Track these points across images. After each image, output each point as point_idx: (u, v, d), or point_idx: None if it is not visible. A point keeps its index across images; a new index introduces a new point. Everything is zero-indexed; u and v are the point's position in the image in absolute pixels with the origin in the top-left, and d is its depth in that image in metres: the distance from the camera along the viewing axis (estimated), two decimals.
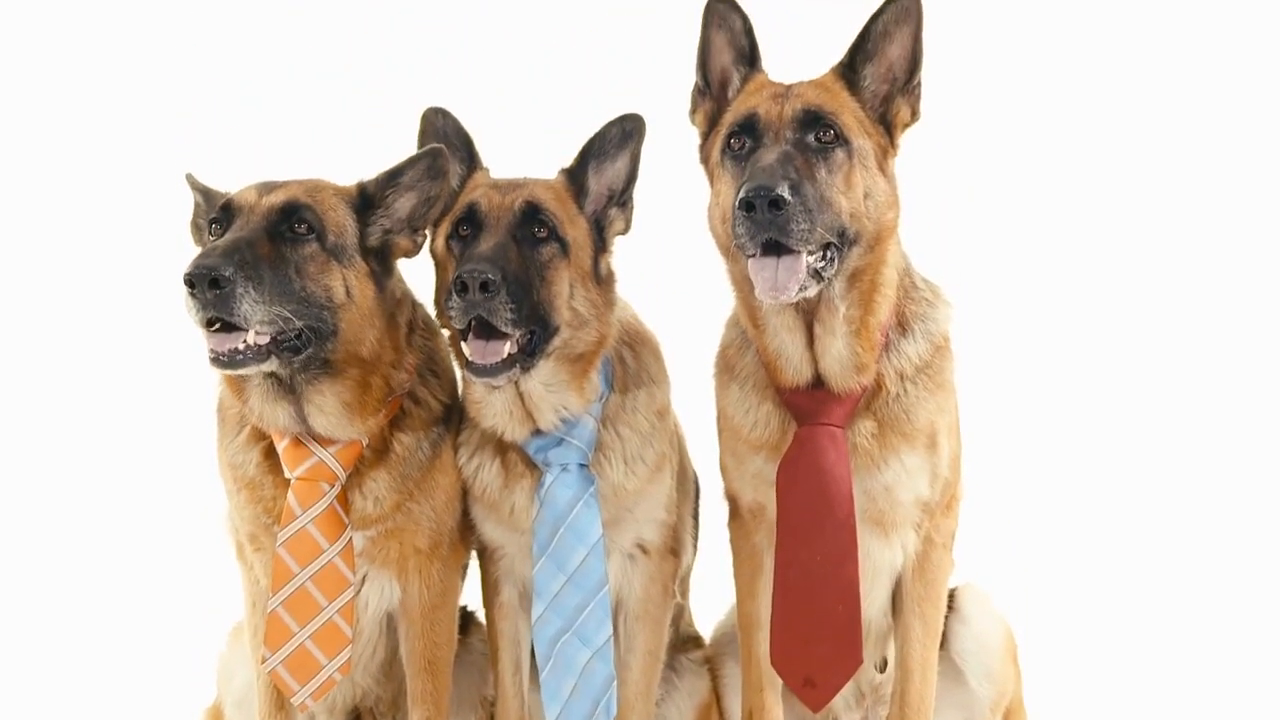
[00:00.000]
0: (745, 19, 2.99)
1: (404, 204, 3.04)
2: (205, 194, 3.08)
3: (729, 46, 3.00)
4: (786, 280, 2.71)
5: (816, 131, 2.82)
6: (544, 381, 3.01)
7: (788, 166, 2.72)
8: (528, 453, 3.08)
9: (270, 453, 3.04)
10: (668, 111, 3.12)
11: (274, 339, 2.79)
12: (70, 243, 5.48)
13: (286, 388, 2.91)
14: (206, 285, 2.67)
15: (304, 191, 2.94)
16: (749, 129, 2.86)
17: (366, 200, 3.02)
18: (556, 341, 2.97)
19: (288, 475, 2.98)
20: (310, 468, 2.96)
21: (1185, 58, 5.50)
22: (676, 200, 3.26)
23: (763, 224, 2.66)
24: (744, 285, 2.93)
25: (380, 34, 5.59)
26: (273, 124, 5.37)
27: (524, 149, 3.28)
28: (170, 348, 4.85)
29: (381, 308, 2.98)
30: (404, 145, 3.14)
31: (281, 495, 3.01)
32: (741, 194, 2.67)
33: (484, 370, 2.87)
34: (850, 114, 2.87)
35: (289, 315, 2.78)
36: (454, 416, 3.19)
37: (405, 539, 3.10)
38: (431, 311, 3.18)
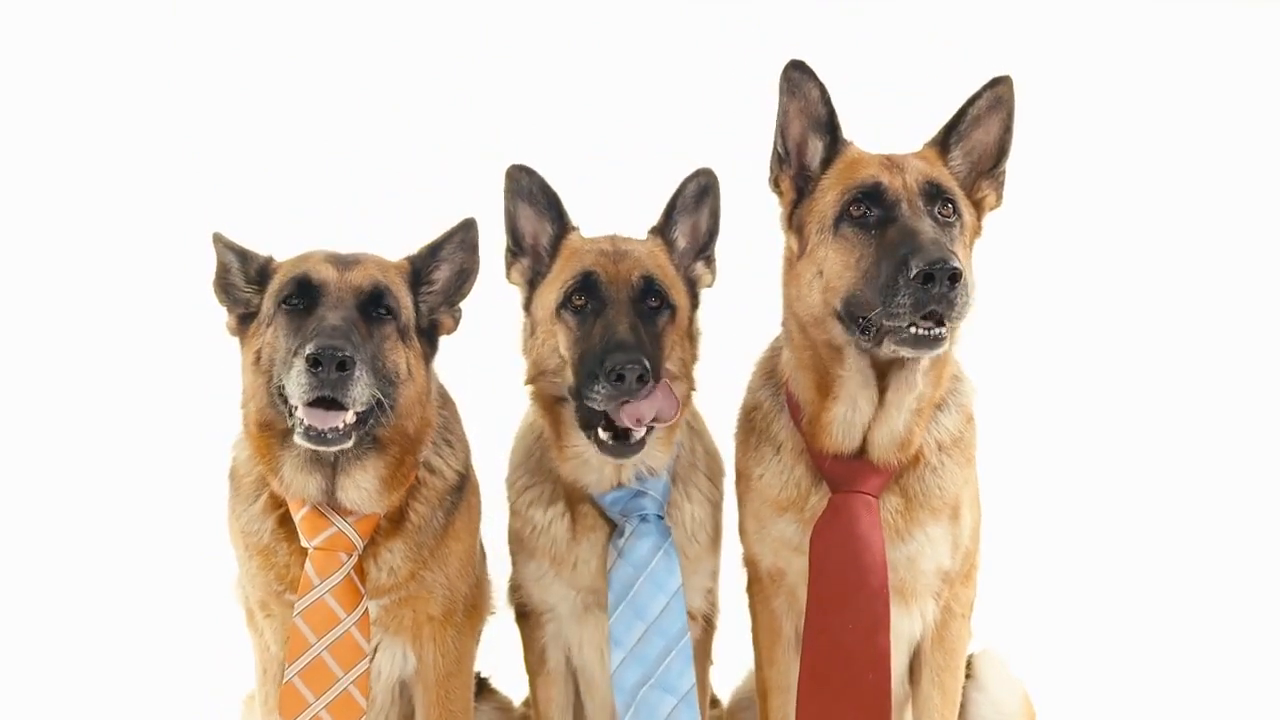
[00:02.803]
0: (821, 88, 2.97)
1: (441, 277, 3.10)
2: (241, 255, 3.06)
3: (802, 115, 2.98)
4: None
5: (939, 205, 2.83)
6: None
7: (946, 238, 2.74)
8: (603, 505, 3.10)
9: (285, 520, 3.03)
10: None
11: (358, 417, 2.83)
12: (89, 305, 5.45)
13: (324, 460, 2.92)
14: (334, 367, 2.72)
15: (380, 271, 2.99)
16: (874, 197, 2.82)
17: (416, 276, 3.07)
18: None
19: (305, 544, 2.97)
20: (329, 538, 2.96)
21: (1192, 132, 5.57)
22: None
23: (935, 296, 2.62)
24: (828, 351, 2.89)
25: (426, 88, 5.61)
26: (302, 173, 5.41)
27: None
28: (181, 414, 4.89)
29: (429, 385, 3.04)
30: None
31: (295, 562, 3.00)
32: (920, 267, 2.61)
33: (632, 448, 2.93)
34: (958, 190, 2.90)
35: (378, 394, 2.84)
36: (468, 485, 3.19)
37: (419, 607, 3.09)
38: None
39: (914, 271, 2.62)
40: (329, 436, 2.78)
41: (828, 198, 2.90)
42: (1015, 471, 4.57)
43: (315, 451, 2.88)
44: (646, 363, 2.83)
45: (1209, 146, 5.55)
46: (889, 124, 3.09)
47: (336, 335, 2.76)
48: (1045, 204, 5.22)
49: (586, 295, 3.02)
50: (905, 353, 2.73)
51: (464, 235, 3.10)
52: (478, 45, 5.63)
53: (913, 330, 2.67)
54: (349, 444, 2.82)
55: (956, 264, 2.62)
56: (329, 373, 2.72)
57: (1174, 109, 5.55)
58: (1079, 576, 5.04)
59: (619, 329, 2.92)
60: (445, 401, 3.22)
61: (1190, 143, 5.54)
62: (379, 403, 2.85)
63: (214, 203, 5.04)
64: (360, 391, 2.76)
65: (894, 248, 2.70)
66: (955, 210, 2.85)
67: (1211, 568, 5.09)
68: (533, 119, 5.46)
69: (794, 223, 3.01)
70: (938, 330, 2.67)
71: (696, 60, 5.38)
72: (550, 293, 3.07)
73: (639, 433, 2.91)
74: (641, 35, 5.54)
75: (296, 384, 2.75)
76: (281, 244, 3.09)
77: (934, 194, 2.83)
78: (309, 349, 2.73)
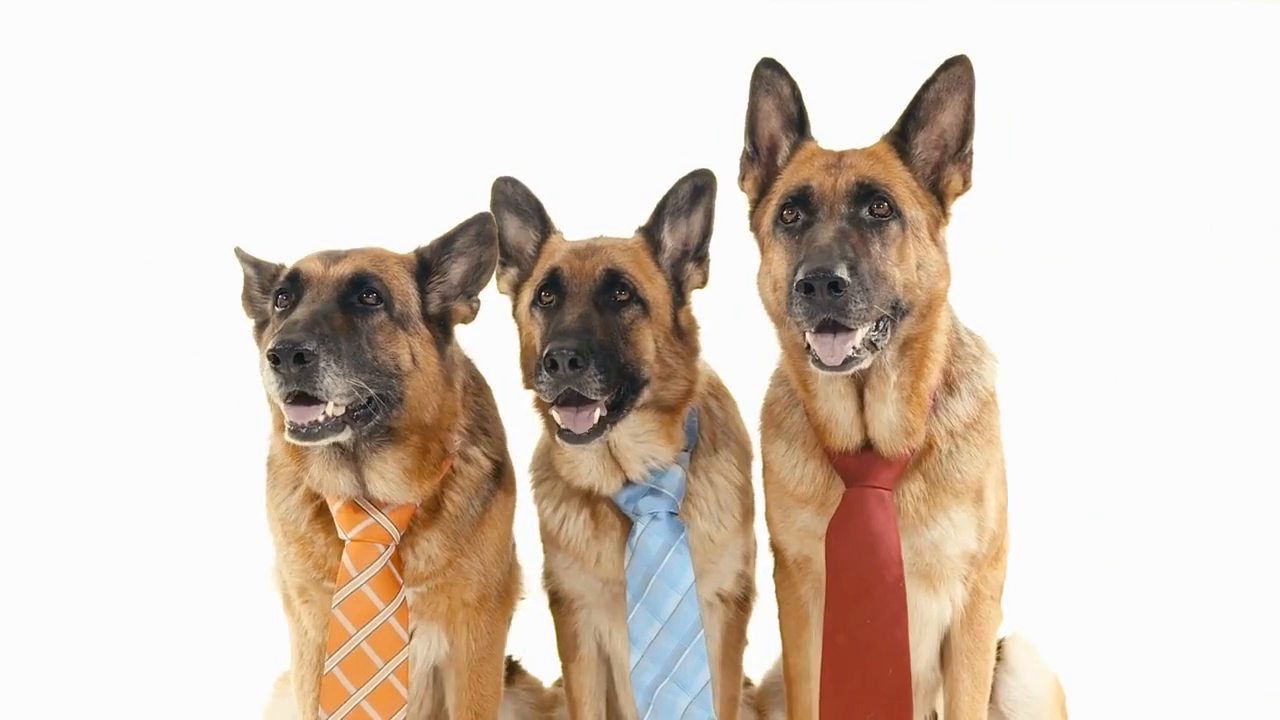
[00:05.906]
0: (793, 84, 2.98)
1: (457, 270, 3.07)
2: (256, 266, 3.08)
3: (777, 112, 2.99)
4: (842, 355, 2.72)
5: (870, 204, 2.81)
6: (631, 433, 3.05)
7: (844, 245, 2.71)
8: (618, 503, 3.11)
9: (323, 509, 3.04)
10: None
11: (348, 409, 2.81)
12: (125, 299, 5.48)
13: (349, 455, 2.92)
14: (292, 360, 2.69)
15: (370, 261, 2.96)
16: (802, 201, 2.84)
17: (425, 267, 3.05)
18: (646, 394, 3.01)
19: (342, 536, 2.98)
20: (365, 529, 2.97)
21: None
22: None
23: (822, 305, 2.65)
24: (795, 351, 2.95)
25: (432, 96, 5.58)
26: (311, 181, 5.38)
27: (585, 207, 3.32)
28: (219, 395, 4.88)
29: (443, 374, 3.01)
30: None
31: (332, 551, 3.01)
32: (800, 276, 2.65)
33: (578, 438, 2.91)
34: (903, 185, 2.86)
35: (364, 386, 2.80)
36: (504, 472, 3.20)
37: (454, 593, 3.11)
38: (493, 371, 3.22)
39: (796, 280, 2.66)
40: (312, 431, 2.76)
41: (775, 199, 2.93)
42: (1048, 454, 4.60)
43: (339, 449, 2.88)
44: (581, 350, 2.81)
45: (1217, 135, 5.56)
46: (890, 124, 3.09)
47: (295, 330, 2.72)
48: (1061, 197, 5.28)
49: (553, 291, 3.03)
50: (819, 371, 2.77)
51: (479, 228, 3.06)
52: (478, 45, 5.62)
53: (815, 351, 2.73)
54: (342, 436, 2.80)
55: (839, 273, 2.63)
56: (288, 367, 2.68)
57: (1180, 104, 5.55)
58: (1110, 559, 5.06)
59: (566, 318, 2.93)
60: (481, 389, 3.22)
61: (1201, 132, 5.55)
62: (381, 395, 2.82)
63: (224, 203, 5.04)
64: (333, 383, 2.72)
65: (796, 256, 2.75)
66: (892, 209, 2.81)
67: (1243, 551, 5.09)
68: (533, 119, 5.47)
69: (753, 223, 3.04)
70: (841, 358, 2.69)
71: (697, 61, 5.38)
72: (526, 294, 3.10)
73: (590, 423, 2.89)
74: (643, 35, 5.53)
75: (268, 383, 2.75)
76: (291, 249, 3.07)
77: (864, 194, 2.81)
78: (269, 346, 2.71)
